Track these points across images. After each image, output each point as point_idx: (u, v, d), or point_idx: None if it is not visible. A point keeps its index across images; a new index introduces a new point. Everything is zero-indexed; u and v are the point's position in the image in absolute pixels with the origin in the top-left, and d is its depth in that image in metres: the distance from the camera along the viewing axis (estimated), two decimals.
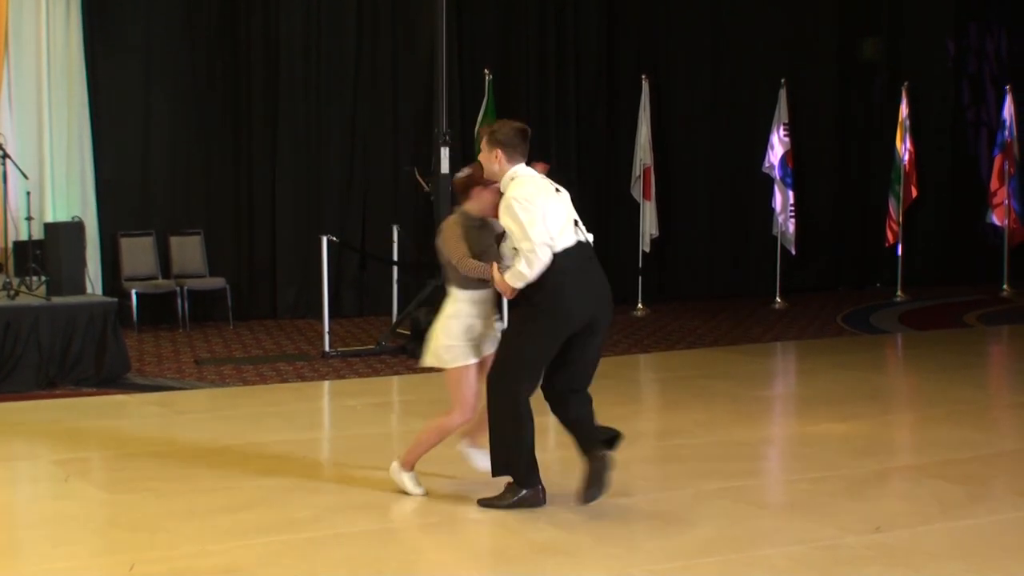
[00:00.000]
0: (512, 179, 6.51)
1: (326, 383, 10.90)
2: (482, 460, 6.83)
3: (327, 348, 12.09)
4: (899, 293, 16.71)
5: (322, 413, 10.21)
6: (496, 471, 6.63)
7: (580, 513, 6.46)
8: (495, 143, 6.57)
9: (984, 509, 6.70)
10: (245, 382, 10.79)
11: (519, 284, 6.37)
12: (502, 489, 6.62)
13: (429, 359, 6.75)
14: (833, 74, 18.21)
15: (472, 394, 6.65)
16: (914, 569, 5.71)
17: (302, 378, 11.03)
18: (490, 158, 6.57)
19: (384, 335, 12.70)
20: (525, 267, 6.33)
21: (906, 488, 7.26)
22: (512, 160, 6.55)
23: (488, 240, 6.76)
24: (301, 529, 6.34)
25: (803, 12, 17.87)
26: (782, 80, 16.07)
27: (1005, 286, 17.32)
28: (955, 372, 11.46)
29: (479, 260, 6.55)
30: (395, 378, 11.13)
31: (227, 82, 14.46)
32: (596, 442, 6.50)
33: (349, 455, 8.17)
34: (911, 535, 6.18)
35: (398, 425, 9.59)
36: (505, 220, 6.41)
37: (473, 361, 6.63)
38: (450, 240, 6.68)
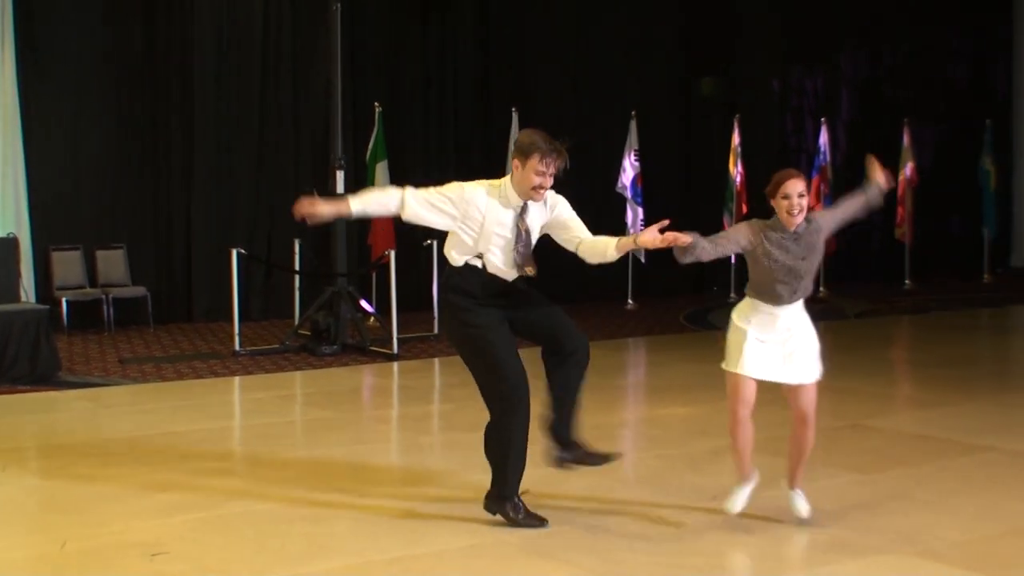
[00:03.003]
0: None
1: (236, 379, 10.82)
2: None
3: (237, 348, 11.99)
4: (732, 295, 17.02)
5: (233, 405, 10.13)
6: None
7: (432, 486, 6.48)
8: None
9: (803, 478, 6.87)
10: (164, 379, 10.67)
11: None
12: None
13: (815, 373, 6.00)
14: (677, 107, 18.50)
15: None
16: (745, 531, 5.89)
17: (215, 374, 10.93)
18: None
19: (287, 336, 12.63)
20: None
21: None
22: None
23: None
24: (215, 508, 6.31)
25: (651, 53, 18.12)
26: (632, 112, 16.31)
27: (822, 288, 17.76)
28: None
29: None
30: (297, 373, 11.09)
31: (148, 111, 14.25)
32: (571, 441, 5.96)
33: (258, 441, 8.14)
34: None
35: (301, 415, 9.57)
36: None
37: None
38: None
